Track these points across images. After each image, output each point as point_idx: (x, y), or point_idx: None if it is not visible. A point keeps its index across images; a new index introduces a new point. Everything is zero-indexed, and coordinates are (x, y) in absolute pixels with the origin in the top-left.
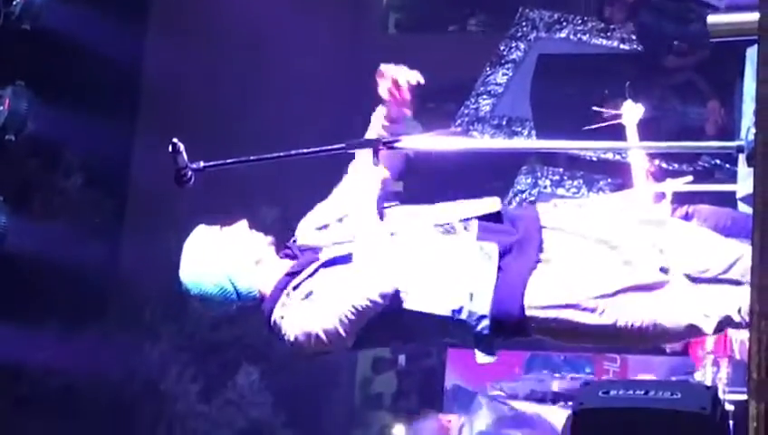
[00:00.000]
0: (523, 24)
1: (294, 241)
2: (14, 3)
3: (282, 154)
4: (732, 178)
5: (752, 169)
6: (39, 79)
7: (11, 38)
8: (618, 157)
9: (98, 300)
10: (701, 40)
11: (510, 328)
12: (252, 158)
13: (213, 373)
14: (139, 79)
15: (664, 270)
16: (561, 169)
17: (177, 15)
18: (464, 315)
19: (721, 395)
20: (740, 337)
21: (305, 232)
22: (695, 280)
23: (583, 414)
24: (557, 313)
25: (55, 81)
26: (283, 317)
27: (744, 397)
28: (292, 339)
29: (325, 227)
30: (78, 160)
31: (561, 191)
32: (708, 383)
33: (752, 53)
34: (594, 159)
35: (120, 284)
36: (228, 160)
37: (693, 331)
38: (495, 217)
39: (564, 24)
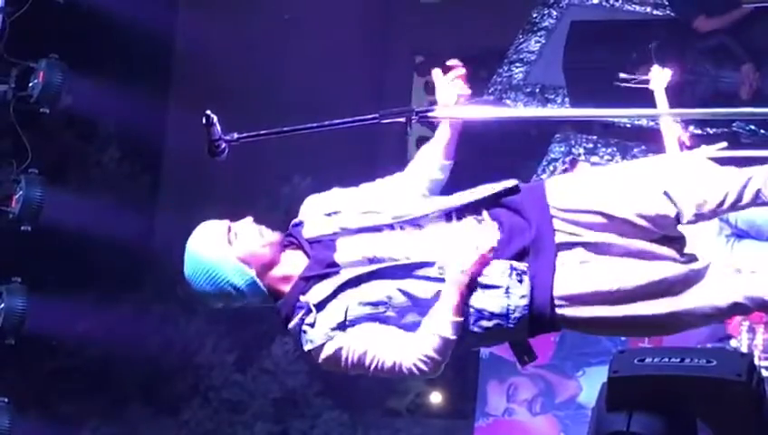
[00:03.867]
0: None
1: (299, 224)
2: None
3: (315, 125)
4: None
5: None
6: (73, 52)
7: (44, 11)
8: (652, 123)
9: (134, 272)
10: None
11: (542, 327)
12: (285, 129)
13: (248, 343)
14: (173, 50)
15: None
16: (594, 137)
17: None
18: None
19: (757, 362)
20: None
21: (312, 217)
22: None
23: (618, 382)
24: (585, 309)
25: (89, 53)
26: (312, 341)
27: None
28: (324, 365)
29: (335, 213)
30: (113, 133)
31: (594, 159)
32: (744, 350)
33: None
34: (628, 125)
35: (156, 256)
36: (261, 132)
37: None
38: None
39: None
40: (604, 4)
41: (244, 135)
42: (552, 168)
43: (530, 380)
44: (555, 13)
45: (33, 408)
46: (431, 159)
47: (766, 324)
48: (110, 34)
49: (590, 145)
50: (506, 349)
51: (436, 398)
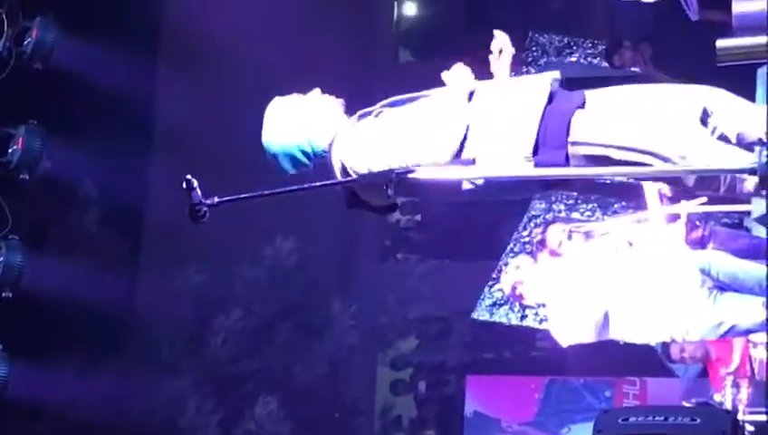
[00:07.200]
0: (534, 48)
1: None
2: (26, 42)
3: (295, 187)
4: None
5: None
6: (52, 118)
7: (23, 77)
8: (632, 180)
9: (116, 336)
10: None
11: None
12: (266, 192)
13: (232, 404)
14: (152, 115)
15: None
16: (575, 193)
17: (188, 52)
18: None
19: (741, 416)
20: (759, 357)
21: None
22: None
23: None
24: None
25: (68, 119)
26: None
27: (765, 417)
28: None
29: None
30: (93, 198)
31: (575, 215)
32: (728, 405)
33: (762, 73)
34: (608, 181)
35: (138, 320)
36: (242, 195)
37: None
38: None
39: (574, 47)
40: (582, 61)
41: (225, 199)
42: (532, 224)
43: None
44: (533, 71)
45: None
46: None
47: (750, 379)
48: (88, 100)
49: (571, 201)
50: (491, 405)
51: None
